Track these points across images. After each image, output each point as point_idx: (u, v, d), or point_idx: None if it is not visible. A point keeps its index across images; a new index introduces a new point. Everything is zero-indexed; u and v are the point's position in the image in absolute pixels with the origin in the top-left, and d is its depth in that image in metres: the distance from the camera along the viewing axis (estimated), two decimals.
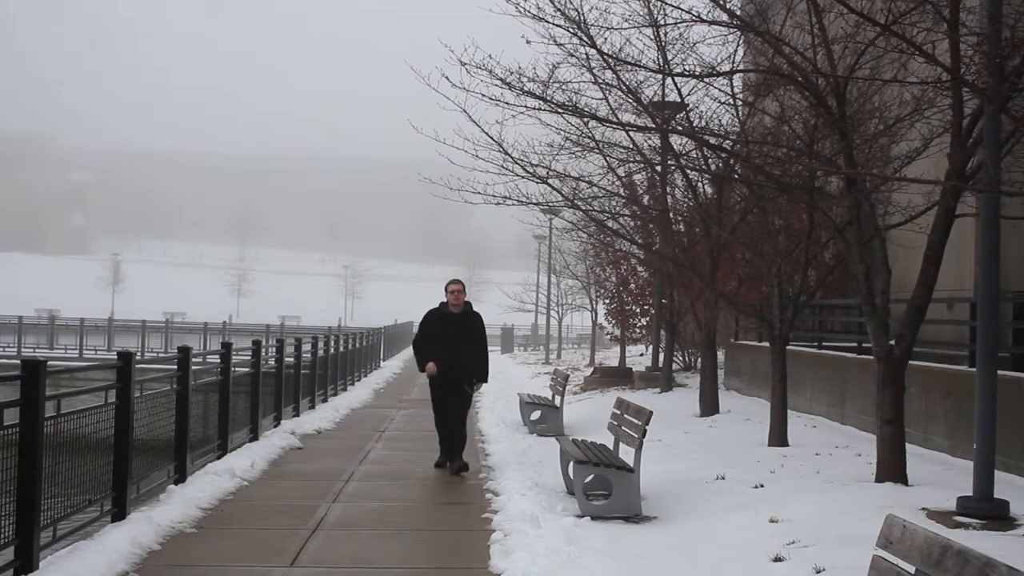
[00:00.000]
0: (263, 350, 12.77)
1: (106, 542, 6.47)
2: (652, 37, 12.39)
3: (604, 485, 8.27)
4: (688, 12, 9.23)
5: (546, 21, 10.62)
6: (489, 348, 10.70)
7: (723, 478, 9.26)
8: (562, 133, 13.93)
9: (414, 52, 19.14)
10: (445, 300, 10.53)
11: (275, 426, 13.24)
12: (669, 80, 13.83)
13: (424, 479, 10.02)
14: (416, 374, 30.19)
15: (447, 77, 11.04)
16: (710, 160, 13.78)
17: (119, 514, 7.33)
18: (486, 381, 10.54)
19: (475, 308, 10.59)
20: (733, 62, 12.94)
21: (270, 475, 9.99)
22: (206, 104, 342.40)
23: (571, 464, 8.55)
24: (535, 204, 15.00)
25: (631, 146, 14.98)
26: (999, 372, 7.43)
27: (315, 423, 14.24)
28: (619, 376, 23.69)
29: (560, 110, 11.66)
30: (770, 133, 11.94)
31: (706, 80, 12.53)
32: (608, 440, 9.71)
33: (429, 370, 10.35)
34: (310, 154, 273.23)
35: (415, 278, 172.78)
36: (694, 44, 12.33)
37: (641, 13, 11.37)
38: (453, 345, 10.26)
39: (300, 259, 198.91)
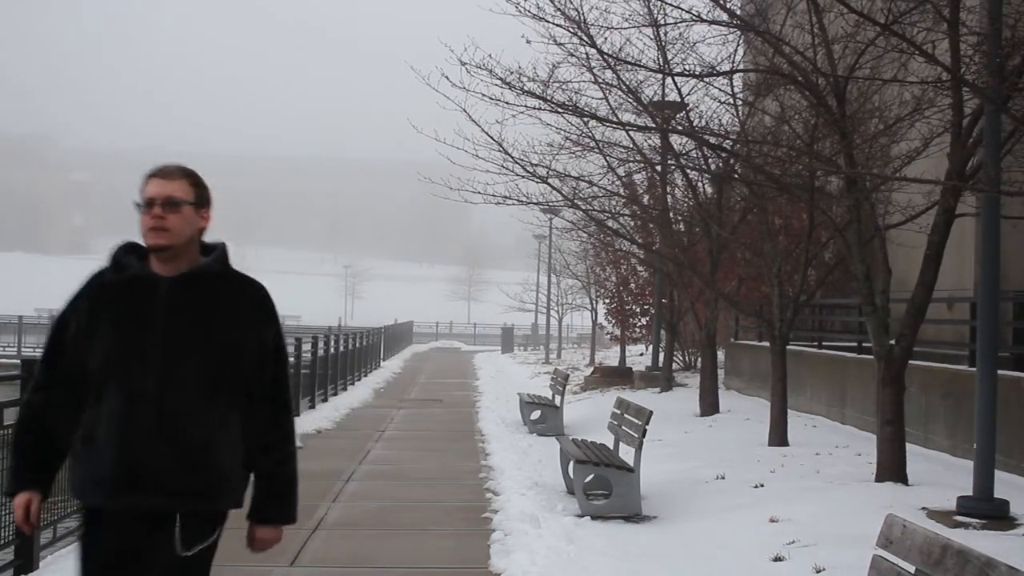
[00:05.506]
0: None
1: None
2: (652, 37, 12.40)
3: (604, 485, 8.27)
4: (688, 12, 9.25)
5: (546, 21, 10.63)
6: (293, 396, 3.26)
7: (723, 478, 9.25)
8: (562, 133, 13.94)
9: (415, 52, 19.16)
10: (132, 244, 3.23)
11: None
12: (669, 80, 13.82)
13: (424, 479, 10.01)
14: (418, 372, 30.13)
15: (447, 77, 11.06)
16: (710, 160, 13.77)
17: None
18: (291, 520, 3.38)
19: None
20: (733, 62, 12.93)
21: None
22: (206, 104, 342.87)
23: (571, 464, 8.55)
24: (535, 204, 15.02)
25: (631, 146, 14.96)
26: (999, 372, 7.43)
27: (315, 423, 14.24)
28: (619, 376, 23.69)
29: (560, 110, 11.66)
30: (770, 133, 11.94)
31: (706, 80, 12.54)
32: (608, 440, 9.70)
33: (19, 520, 3.22)
34: (310, 154, 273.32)
35: (415, 278, 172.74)
36: (694, 44, 12.34)
37: (641, 13, 11.38)
38: (152, 391, 3.04)
39: (300, 259, 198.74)
